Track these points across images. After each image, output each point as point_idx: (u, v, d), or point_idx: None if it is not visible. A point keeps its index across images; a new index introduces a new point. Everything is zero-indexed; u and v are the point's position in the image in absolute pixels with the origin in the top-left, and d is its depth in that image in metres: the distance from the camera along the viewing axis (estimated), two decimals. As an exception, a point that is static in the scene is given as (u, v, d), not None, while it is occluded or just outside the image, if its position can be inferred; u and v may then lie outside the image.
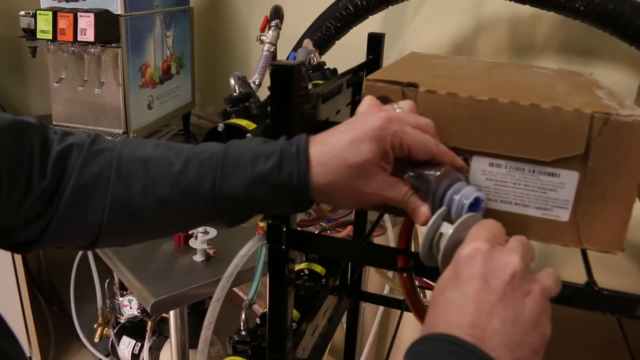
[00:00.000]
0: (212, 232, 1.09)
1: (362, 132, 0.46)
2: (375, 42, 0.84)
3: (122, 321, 1.68)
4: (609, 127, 0.44)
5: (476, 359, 0.37)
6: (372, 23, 1.27)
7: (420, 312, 0.55)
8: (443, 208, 0.46)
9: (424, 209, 0.47)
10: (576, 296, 0.46)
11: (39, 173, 0.49)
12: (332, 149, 0.47)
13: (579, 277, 0.48)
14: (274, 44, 1.01)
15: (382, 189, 0.47)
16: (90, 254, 1.67)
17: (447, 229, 0.44)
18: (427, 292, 1.13)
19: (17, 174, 0.48)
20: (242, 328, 0.70)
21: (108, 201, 0.50)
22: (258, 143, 0.49)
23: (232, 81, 0.62)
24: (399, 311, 1.07)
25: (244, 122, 0.56)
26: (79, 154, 0.50)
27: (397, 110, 0.48)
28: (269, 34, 1.01)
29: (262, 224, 0.67)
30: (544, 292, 0.41)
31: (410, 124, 0.47)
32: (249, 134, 0.54)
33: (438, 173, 0.46)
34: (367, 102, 0.50)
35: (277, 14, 1.06)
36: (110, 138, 0.54)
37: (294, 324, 0.70)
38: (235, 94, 0.60)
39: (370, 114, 0.47)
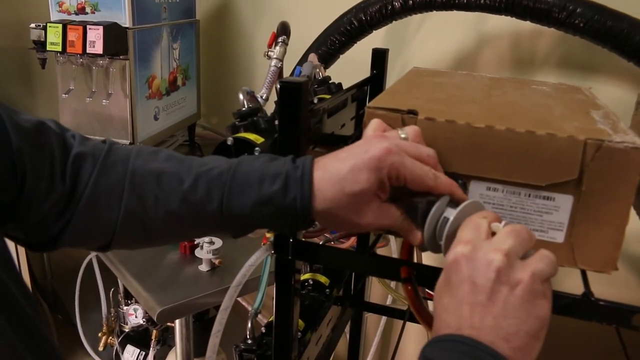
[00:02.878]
0: (218, 242, 1.10)
1: (362, 162, 0.47)
2: (379, 58, 0.86)
3: (127, 330, 1.69)
4: (602, 154, 0.46)
5: (472, 348, 0.40)
6: (376, 37, 1.29)
7: (427, 321, 0.56)
8: (446, 196, 0.48)
9: (416, 232, 0.49)
10: (573, 307, 0.48)
11: (61, 175, 0.51)
12: (332, 176, 0.48)
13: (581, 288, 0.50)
14: (281, 60, 1.03)
15: (376, 217, 0.49)
16: (95, 263, 1.69)
17: (450, 214, 0.46)
18: (430, 302, 1.14)
19: (41, 174, 0.50)
20: (248, 336, 0.71)
21: (121, 211, 0.52)
22: (265, 162, 0.51)
23: (241, 96, 0.63)
24: (402, 321, 1.08)
25: (252, 136, 0.58)
26: (95, 164, 0.52)
27: (402, 136, 0.50)
28: (276, 50, 1.03)
29: (268, 235, 0.69)
30: (535, 277, 0.42)
31: (410, 154, 0.48)
32: (257, 148, 0.56)
33: (425, 200, 0.48)
34: (373, 126, 0.52)
35: (284, 30, 1.08)
36: (124, 145, 0.56)
37: (299, 333, 0.72)
38: (243, 109, 0.62)
39: (372, 143, 0.48)
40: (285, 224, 0.51)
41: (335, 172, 0.48)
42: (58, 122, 0.55)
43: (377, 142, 0.48)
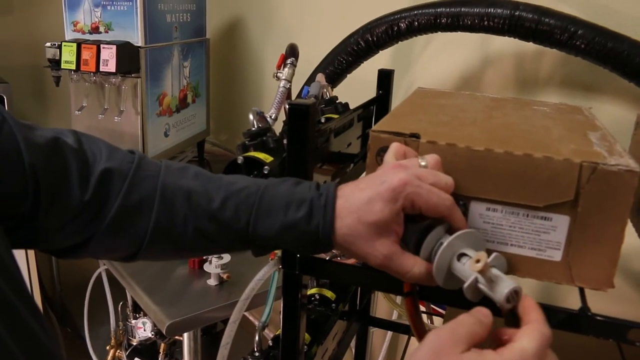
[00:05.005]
0: (226, 257, 1.12)
1: (378, 193, 0.49)
2: (385, 78, 0.89)
3: (134, 343, 1.70)
4: (597, 176, 0.47)
5: None
6: (383, 58, 1.31)
7: (422, 336, 0.57)
8: (446, 223, 0.49)
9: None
10: (571, 321, 0.50)
11: (80, 190, 0.53)
12: (351, 205, 0.50)
13: (589, 300, 0.52)
14: (289, 81, 1.06)
15: (389, 253, 0.49)
16: (105, 276, 1.71)
17: (445, 239, 0.48)
18: (435, 317, 1.15)
19: (56, 190, 0.52)
20: (255, 349, 0.73)
21: (151, 225, 0.54)
22: (291, 186, 0.54)
23: (251, 116, 0.66)
24: (407, 336, 1.09)
25: (261, 155, 0.60)
26: (124, 180, 0.54)
27: (422, 164, 0.51)
28: (285, 72, 1.06)
29: (276, 250, 0.71)
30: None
31: (429, 182, 0.49)
32: (266, 166, 0.58)
33: (423, 225, 0.49)
34: (392, 151, 0.53)
35: (292, 52, 1.11)
36: (152, 160, 0.59)
37: (305, 347, 0.73)
38: (253, 129, 0.64)
39: (389, 174, 0.50)
40: (307, 248, 0.53)
41: (354, 201, 0.50)
42: (78, 133, 0.57)
43: (394, 173, 0.49)
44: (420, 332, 0.55)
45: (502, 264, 0.47)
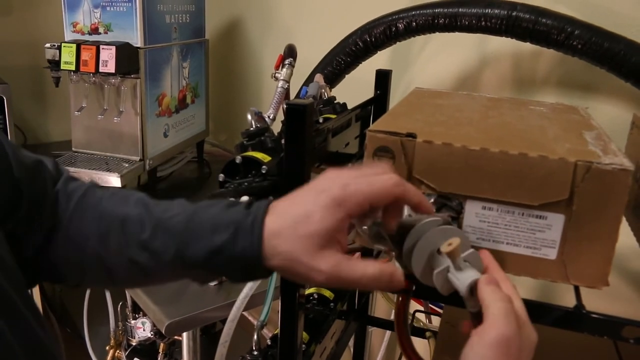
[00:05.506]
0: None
1: (316, 204, 0.47)
2: (383, 78, 0.89)
3: (134, 343, 1.71)
4: (591, 175, 0.48)
5: None
6: (381, 58, 1.32)
7: (401, 334, 0.57)
8: (435, 218, 0.50)
9: (398, 272, 0.47)
10: (565, 319, 0.50)
11: (48, 216, 0.54)
12: (285, 220, 0.48)
13: (585, 298, 0.52)
14: (288, 81, 1.07)
15: (336, 261, 0.46)
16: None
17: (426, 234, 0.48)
18: (433, 316, 1.16)
19: (34, 208, 0.53)
20: (254, 348, 0.73)
21: (87, 254, 0.54)
22: (221, 209, 0.51)
23: (249, 116, 0.66)
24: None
25: (259, 155, 0.60)
26: (68, 204, 0.55)
27: None
28: (283, 72, 1.07)
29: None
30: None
31: (368, 174, 0.48)
32: (264, 166, 0.58)
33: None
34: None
35: (290, 52, 1.12)
36: (105, 187, 0.59)
37: (304, 346, 0.74)
38: (251, 129, 0.65)
39: (329, 181, 0.48)
40: (238, 273, 0.51)
41: (288, 216, 0.48)
42: (57, 162, 0.59)
43: (332, 180, 0.48)
44: (401, 330, 0.55)
45: (477, 262, 0.48)
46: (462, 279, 0.45)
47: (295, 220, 0.47)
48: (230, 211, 0.51)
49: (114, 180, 1.43)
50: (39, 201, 0.54)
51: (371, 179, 0.47)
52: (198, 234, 0.50)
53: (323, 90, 0.87)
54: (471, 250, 0.47)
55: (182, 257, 0.51)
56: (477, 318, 0.44)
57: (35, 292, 1.65)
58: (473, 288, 0.45)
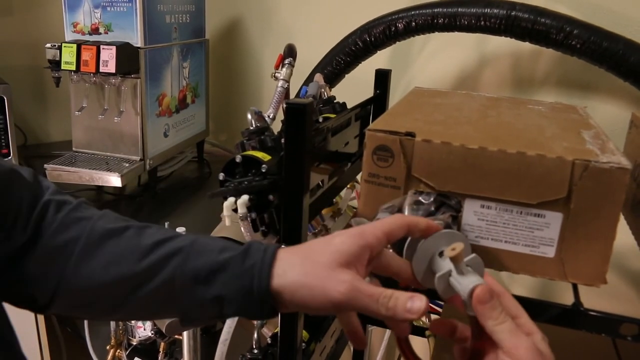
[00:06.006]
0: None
1: (337, 234, 0.46)
2: (382, 78, 0.89)
3: (134, 343, 1.71)
4: (589, 173, 0.48)
5: None
6: (381, 58, 1.32)
7: (400, 340, 0.57)
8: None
9: (419, 301, 0.43)
10: (564, 316, 0.50)
11: (23, 226, 0.51)
12: (298, 248, 0.48)
13: (584, 296, 0.53)
14: (287, 81, 1.07)
15: (353, 279, 0.44)
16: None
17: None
18: (432, 315, 1.16)
19: (7, 216, 0.50)
20: (254, 346, 0.73)
21: (68, 270, 0.50)
22: (228, 242, 0.51)
23: (249, 116, 0.67)
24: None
25: (259, 154, 0.61)
26: (57, 213, 0.52)
27: None
28: (283, 71, 1.07)
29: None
30: None
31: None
32: (264, 165, 0.59)
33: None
34: None
35: (290, 52, 1.12)
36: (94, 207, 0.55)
37: (303, 344, 0.74)
38: (251, 128, 0.65)
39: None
40: (236, 296, 0.47)
41: (301, 247, 0.48)
42: (35, 173, 0.56)
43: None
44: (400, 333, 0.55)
45: (479, 266, 0.48)
46: (464, 284, 0.45)
47: (311, 243, 0.47)
48: (236, 244, 0.50)
49: (114, 180, 1.43)
50: (10, 211, 0.50)
51: (381, 220, 0.48)
52: (203, 251, 0.49)
53: (323, 90, 0.87)
54: (473, 255, 0.47)
55: (180, 271, 0.48)
56: (477, 322, 0.44)
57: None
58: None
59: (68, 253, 0.50)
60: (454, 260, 0.45)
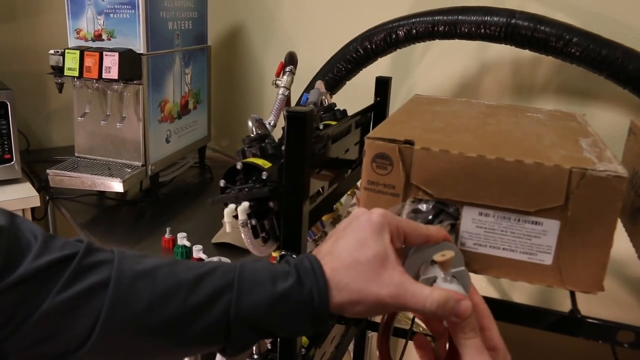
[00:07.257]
0: (226, 259, 1.13)
1: (363, 230, 0.47)
2: (382, 85, 0.90)
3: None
4: (586, 181, 0.49)
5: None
6: (382, 65, 1.33)
7: (382, 342, 0.58)
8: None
9: (466, 302, 0.45)
10: (561, 323, 0.51)
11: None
12: (340, 255, 0.47)
13: (582, 303, 0.53)
14: (288, 88, 1.08)
15: (401, 281, 0.46)
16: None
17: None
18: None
19: None
20: (254, 352, 0.74)
21: (101, 319, 0.44)
22: (268, 263, 0.49)
23: (250, 123, 0.67)
24: (404, 341, 1.09)
25: (260, 161, 0.61)
26: (66, 268, 0.45)
27: None
28: (284, 79, 1.08)
29: (275, 254, 0.72)
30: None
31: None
32: (264, 172, 0.59)
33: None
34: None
35: (291, 60, 1.13)
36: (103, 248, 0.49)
37: (303, 350, 0.74)
38: (252, 135, 0.66)
39: (364, 213, 0.49)
40: (303, 323, 0.47)
41: (342, 251, 0.48)
42: (12, 213, 0.47)
43: (367, 212, 0.49)
44: (386, 335, 0.55)
45: (465, 280, 0.48)
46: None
47: (351, 251, 0.47)
48: (277, 265, 0.49)
49: (116, 186, 1.44)
50: None
51: (407, 220, 0.50)
52: (254, 283, 0.47)
53: (324, 97, 0.88)
54: (462, 268, 0.48)
55: (235, 310, 0.46)
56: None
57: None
58: None
59: (93, 303, 0.45)
60: (442, 266, 0.46)
